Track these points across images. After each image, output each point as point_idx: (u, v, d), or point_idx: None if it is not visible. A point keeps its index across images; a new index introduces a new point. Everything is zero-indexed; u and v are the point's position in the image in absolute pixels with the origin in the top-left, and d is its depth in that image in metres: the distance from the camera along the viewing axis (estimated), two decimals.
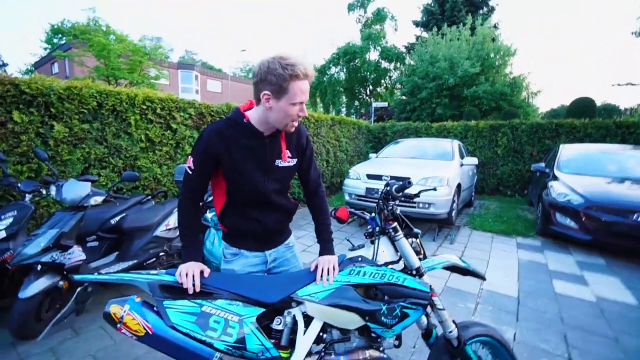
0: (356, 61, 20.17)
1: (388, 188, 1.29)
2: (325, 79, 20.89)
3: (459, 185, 4.82)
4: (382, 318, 1.13)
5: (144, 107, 3.39)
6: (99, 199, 2.25)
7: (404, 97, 15.44)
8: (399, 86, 18.28)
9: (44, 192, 2.26)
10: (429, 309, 1.31)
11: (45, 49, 27.81)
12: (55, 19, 47.26)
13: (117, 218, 2.62)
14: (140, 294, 1.08)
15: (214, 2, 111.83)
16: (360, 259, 1.26)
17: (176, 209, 2.94)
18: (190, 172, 1.20)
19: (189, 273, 1.10)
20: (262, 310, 1.13)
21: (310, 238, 4.32)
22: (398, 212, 1.34)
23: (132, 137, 3.32)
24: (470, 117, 9.92)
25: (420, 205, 4.24)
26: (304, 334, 1.14)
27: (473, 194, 6.68)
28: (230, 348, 1.03)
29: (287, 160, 1.27)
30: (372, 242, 1.34)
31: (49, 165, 2.30)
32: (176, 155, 3.81)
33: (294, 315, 1.17)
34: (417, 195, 1.40)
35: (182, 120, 3.83)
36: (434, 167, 4.75)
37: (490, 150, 7.77)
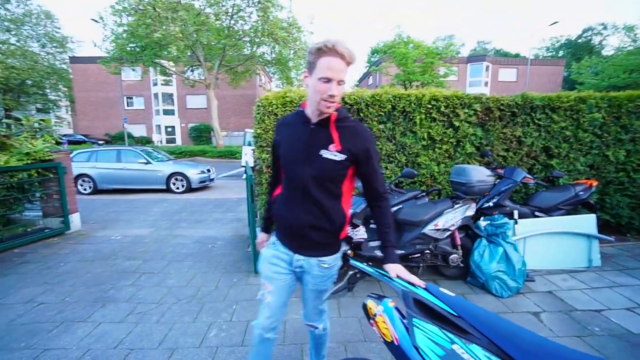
0: None
1: None
2: None
3: None
4: None
5: (429, 106, 3.52)
6: None
7: None
8: None
9: None
10: None
11: (366, 67, 36.94)
12: (374, 43, 60.88)
13: (395, 209, 2.94)
14: (395, 298, 1.08)
15: None
16: None
17: (448, 210, 2.89)
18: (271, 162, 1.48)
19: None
20: None
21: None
22: None
23: (416, 135, 3.57)
24: None
25: None
26: None
27: None
28: None
29: (333, 152, 1.18)
30: None
31: None
32: (455, 153, 3.70)
33: None
34: None
35: (466, 117, 3.62)
36: None
37: None
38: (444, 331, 0.93)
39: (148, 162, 8.47)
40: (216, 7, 13.73)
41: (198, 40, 14.07)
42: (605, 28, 40.73)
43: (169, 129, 28.78)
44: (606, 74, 19.71)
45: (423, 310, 1.00)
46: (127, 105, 28.03)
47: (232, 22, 14.49)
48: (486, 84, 27.49)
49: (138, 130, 28.10)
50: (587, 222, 3.27)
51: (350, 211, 2.59)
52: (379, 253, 2.73)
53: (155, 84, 27.58)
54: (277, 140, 1.34)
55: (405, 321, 0.98)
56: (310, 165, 1.19)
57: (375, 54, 35.58)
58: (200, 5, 14.15)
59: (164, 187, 8.44)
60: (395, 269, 1.13)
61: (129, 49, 14.06)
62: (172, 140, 28.56)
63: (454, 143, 3.64)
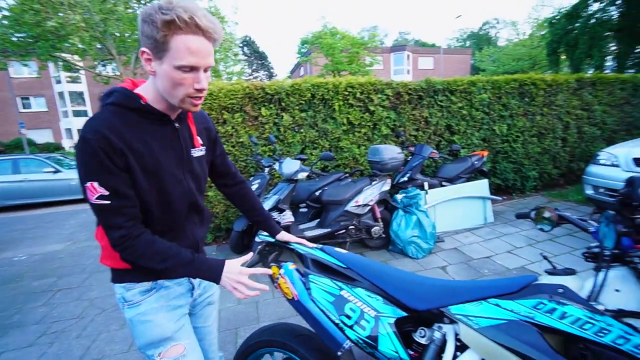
0: None
1: (630, 189, 0.74)
2: (577, 24, 15.17)
3: None
4: None
5: (346, 93, 3.77)
6: (303, 174, 2.76)
7: None
8: None
9: (275, 167, 3.04)
10: None
11: (297, 58, 37.04)
12: (303, 33, 61.18)
13: (320, 191, 3.13)
14: (296, 262, 1.21)
15: None
16: (561, 290, 0.82)
17: (366, 187, 3.18)
18: (109, 201, 0.79)
19: (240, 281, 0.90)
20: (404, 314, 0.99)
21: (520, 238, 3.42)
22: None
23: (336, 121, 3.81)
24: None
25: None
26: None
27: None
28: (361, 341, 0.97)
29: (200, 148, 1.00)
30: (596, 271, 0.84)
31: (275, 147, 3.06)
32: (373, 136, 4.04)
33: (445, 334, 0.95)
34: None
35: (379, 102, 3.96)
36: None
37: None
38: (334, 281, 1.09)
39: (57, 171, 7.45)
40: None
41: (107, 30, 12.52)
42: (498, 22, 47.28)
43: None
44: (501, 62, 23.00)
45: (319, 268, 1.16)
46: (24, 107, 23.88)
47: None
48: (408, 71, 29.76)
49: (42, 136, 24.18)
50: (482, 186, 3.88)
51: (275, 197, 2.72)
52: (308, 234, 2.91)
53: (59, 82, 23.91)
54: (123, 155, 0.80)
55: (303, 279, 1.13)
56: (191, 172, 0.96)
57: (305, 45, 35.85)
58: None
59: (83, 196, 7.53)
60: (287, 236, 1.25)
61: (15, 39, 11.90)
62: None
63: (371, 126, 3.97)
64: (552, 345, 0.77)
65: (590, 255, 0.90)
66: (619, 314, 0.77)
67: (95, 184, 0.78)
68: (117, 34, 13.27)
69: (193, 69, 0.78)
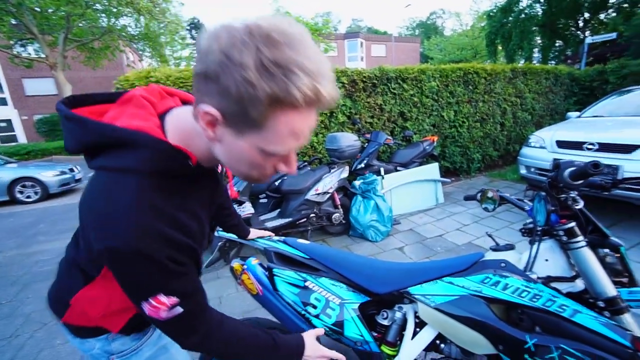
0: None
1: (557, 171, 0.84)
2: (510, 18, 16.53)
3: None
4: (526, 356, 0.79)
5: None
6: None
7: None
8: None
9: None
10: None
11: None
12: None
13: (279, 181, 3.10)
14: (260, 256, 1.20)
15: None
16: (503, 264, 0.92)
17: (325, 175, 3.21)
18: (182, 308, 0.58)
19: (323, 355, 0.81)
20: (366, 299, 1.03)
21: (468, 216, 3.73)
22: (580, 206, 0.87)
23: None
24: None
25: None
26: (412, 338, 0.97)
27: None
28: (327, 329, 1.00)
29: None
30: (531, 244, 0.95)
31: None
32: (330, 124, 4.06)
33: (405, 314, 1.01)
34: (618, 185, 0.85)
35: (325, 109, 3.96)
36: None
37: None
38: (298, 273, 1.10)
39: None
40: None
41: (23, 4, 10.78)
42: (444, 12, 49.91)
43: (2, 124, 22.04)
44: (447, 51, 24.40)
45: (283, 261, 1.16)
46: None
47: None
48: (362, 58, 30.19)
49: None
50: (433, 170, 4.14)
51: (234, 189, 2.63)
52: (269, 224, 2.88)
53: None
54: (192, 235, 0.60)
55: (267, 273, 1.12)
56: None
57: None
58: None
59: (6, 198, 6.61)
60: (254, 233, 1.23)
61: None
62: (11, 139, 22.05)
63: (328, 114, 3.99)
64: (497, 314, 0.86)
65: (525, 231, 1.01)
66: (547, 280, 0.89)
67: (162, 297, 0.55)
68: (38, 10, 11.54)
69: (288, 153, 0.55)
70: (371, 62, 29.22)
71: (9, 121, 22.16)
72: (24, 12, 11.32)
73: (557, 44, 17.02)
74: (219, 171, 0.79)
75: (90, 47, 14.59)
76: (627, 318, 0.80)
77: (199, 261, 0.65)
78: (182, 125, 0.58)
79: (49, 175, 6.97)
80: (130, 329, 0.74)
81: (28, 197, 6.77)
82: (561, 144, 3.51)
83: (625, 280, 0.88)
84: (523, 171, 3.93)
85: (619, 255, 0.87)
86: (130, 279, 0.55)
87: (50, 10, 11.81)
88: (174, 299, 0.56)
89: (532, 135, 4.00)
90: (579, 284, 0.88)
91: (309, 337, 0.82)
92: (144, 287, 0.55)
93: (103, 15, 13.14)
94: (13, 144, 20.20)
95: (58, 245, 3.97)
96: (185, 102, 0.69)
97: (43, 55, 13.83)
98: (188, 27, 31.65)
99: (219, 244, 1.22)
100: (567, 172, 0.81)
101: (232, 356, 0.70)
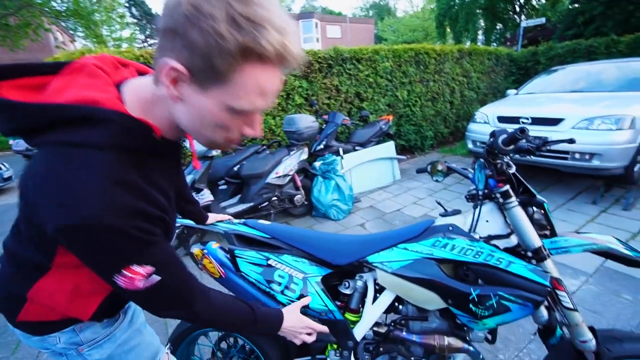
0: None
1: (492, 139, 0.92)
2: (457, 0, 17.29)
3: None
4: (470, 305, 0.89)
5: None
6: (218, 150, 2.60)
7: (575, 5, 11.27)
8: None
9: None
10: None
11: None
12: None
13: (238, 166, 3.02)
14: (220, 240, 1.18)
15: None
16: (451, 228, 1.00)
17: (285, 157, 3.19)
18: (159, 276, 0.57)
19: (307, 326, 0.90)
20: (328, 271, 1.07)
21: (423, 190, 3.97)
22: (513, 170, 0.97)
23: None
24: None
25: (577, 156, 3.17)
26: (372, 303, 1.03)
27: None
28: (291, 302, 1.03)
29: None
30: (474, 209, 1.04)
31: None
32: (287, 106, 4.00)
33: (365, 282, 1.07)
34: (541, 148, 0.97)
35: (290, 71, 3.89)
36: (610, 101, 3.37)
37: None
38: (260, 252, 1.10)
39: None
40: None
41: None
42: None
43: None
44: (400, 32, 24.94)
45: (244, 242, 1.15)
46: None
47: None
48: (318, 39, 29.73)
49: None
50: (389, 148, 4.30)
51: (190, 177, 2.52)
52: (230, 211, 2.81)
53: None
54: (161, 202, 0.58)
55: (228, 255, 1.11)
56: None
57: None
58: None
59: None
60: (213, 217, 1.20)
61: None
62: None
63: (285, 96, 3.92)
64: (446, 272, 0.94)
65: (469, 197, 1.10)
66: (488, 239, 0.99)
67: (135, 267, 0.54)
68: None
69: (253, 113, 0.54)
70: (327, 43, 28.90)
71: None
72: None
73: (497, 27, 18.18)
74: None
75: (3, 24, 12.57)
76: (549, 264, 0.93)
77: (169, 232, 0.64)
78: (142, 96, 0.55)
79: None
80: (102, 314, 0.70)
81: None
82: (501, 119, 3.83)
83: (547, 232, 1.01)
84: (470, 145, 4.24)
85: (543, 211, 0.99)
86: (100, 255, 0.53)
87: None
88: (149, 268, 0.55)
89: (477, 112, 4.30)
90: (513, 240, 1.00)
91: (295, 307, 0.90)
92: (115, 260, 0.53)
93: None
94: None
95: None
96: (141, 74, 0.64)
97: None
98: (127, 4, 28.62)
99: (177, 231, 1.17)
100: (500, 138, 0.89)
101: (218, 325, 0.76)
